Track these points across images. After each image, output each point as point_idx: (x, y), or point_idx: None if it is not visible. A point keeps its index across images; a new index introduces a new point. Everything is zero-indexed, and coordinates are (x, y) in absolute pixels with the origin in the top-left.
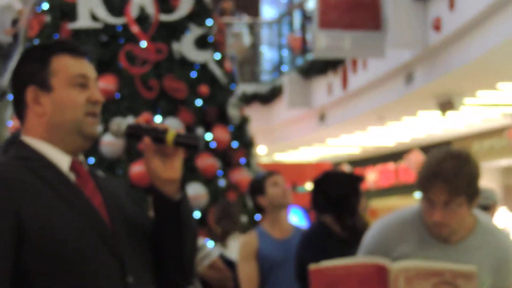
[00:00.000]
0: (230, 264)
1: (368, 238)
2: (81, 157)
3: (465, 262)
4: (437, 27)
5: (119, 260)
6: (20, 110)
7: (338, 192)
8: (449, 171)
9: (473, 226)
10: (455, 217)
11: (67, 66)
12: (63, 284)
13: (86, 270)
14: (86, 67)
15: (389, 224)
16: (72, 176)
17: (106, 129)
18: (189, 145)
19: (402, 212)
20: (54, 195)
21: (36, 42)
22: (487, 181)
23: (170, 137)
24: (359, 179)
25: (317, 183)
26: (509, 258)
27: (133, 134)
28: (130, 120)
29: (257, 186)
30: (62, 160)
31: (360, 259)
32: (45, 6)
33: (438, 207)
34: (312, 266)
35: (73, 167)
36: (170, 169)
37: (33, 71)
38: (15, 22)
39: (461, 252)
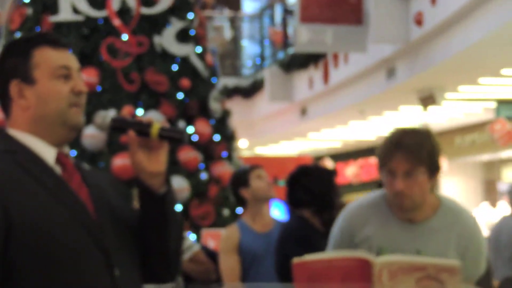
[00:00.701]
0: (212, 256)
1: (335, 226)
2: (66, 149)
3: (429, 242)
4: (419, 21)
5: (105, 253)
6: (5, 103)
7: (319, 187)
8: (411, 142)
9: (437, 207)
10: (416, 187)
11: (49, 58)
12: (50, 277)
13: (73, 263)
14: (69, 58)
15: (352, 209)
16: (58, 169)
17: (88, 122)
18: (174, 138)
19: (366, 197)
20: (40, 189)
21: (18, 35)
22: (469, 176)
23: (154, 130)
24: (333, 173)
25: (295, 177)
26: (475, 238)
27: (117, 127)
28: (112, 113)
29: (241, 179)
30: (47, 153)
31: (343, 253)
32: None
33: (400, 177)
34: (296, 260)
35: (59, 159)
36: (155, 162)
37: (15, 65)
38: None
39: (426, 232)
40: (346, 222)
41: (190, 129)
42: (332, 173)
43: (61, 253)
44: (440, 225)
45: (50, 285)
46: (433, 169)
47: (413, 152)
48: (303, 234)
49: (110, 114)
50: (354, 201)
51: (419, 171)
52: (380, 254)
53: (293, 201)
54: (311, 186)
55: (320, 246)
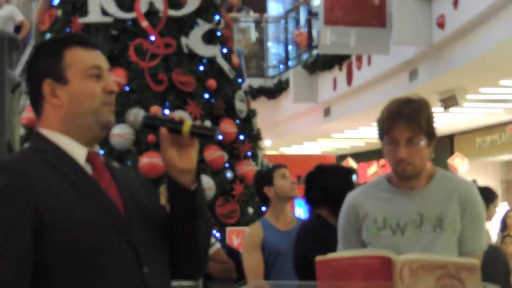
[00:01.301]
0: (233, 254)
1: (340, 214)
2: (96, 148)
3: (430, 206)
4: (441, 24)
5: (134, 251)
6: (36, 103)
7: (335, 185)
8: (411, 111)
9: (433, 175)
10: (418, 154)
11: (81, 58)
12: (81, 275)
13: (103, 261)
14: (99, 58)
15: (353, 193)
16: (88, 168)
17: (116, 121)
18: (205, 135)
19: (367, 183)
20: (70, 188)
21: (48, 36)
22: (489, 176)
23: (186, 127)
24: (352, 172)
25: (312, 176)
26: (472, 199)
27: (150, 125)
28: (141, 111)
29: (265, 177)
30: (78, 152)
31: (365, 250)
32: (56, 0)
33: (402, 145)
34: (318, 258)
35: (89, 159)
36: (186, 159)
37: (48, 65)
38: (17, 30)
39: (425, 197)
40: (348, 204)
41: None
42: (349, 172)
43: (91, 250)
44: (438, 190)
45: (80, 283)
46: (431, 137)
47: (414, 121)
48: (320, 233)
49: (142, 111)
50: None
51: (420, 139)
52: (387, 225)
53: (310, 199)
54: (327, 184)
55: (336, 244)
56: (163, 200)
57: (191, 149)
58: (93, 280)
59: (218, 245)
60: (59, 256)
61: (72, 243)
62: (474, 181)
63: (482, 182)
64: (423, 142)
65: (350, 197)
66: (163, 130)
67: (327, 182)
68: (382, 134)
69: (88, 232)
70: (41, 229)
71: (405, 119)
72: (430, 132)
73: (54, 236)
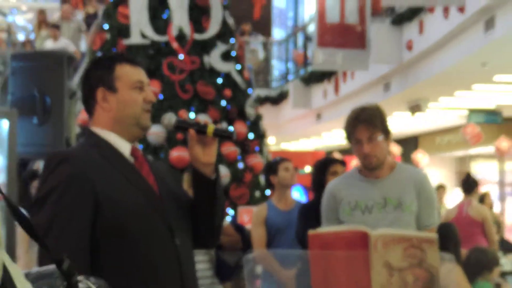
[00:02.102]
0: (239, 229)
1: (323, 199)
2: (136, 144)
3: (392, 191)
4: (409, 47)
5: (168, 227)
6: (90, 106)
7: (315, 173)
8: (367, 116)
9: (394, 166)
10: (378, 148)
11: (128, 73)
12: (127, 248)
13: (145, 235)
14: (142, 74)
15: (331, 183)
16: (131, 160)
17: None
18: (226, 136)
19: (343, 174)
20: (119, 175)
21: (99, 54)
22: (446, 168)
23: (210, 130)
24: (330, 161)
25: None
26: (426, 186)
27: (180, 127)
28: (173, 115)
29: (271, 168)
30: (124, 147)
31: (347, 226)
32: (106, 26)
33: (365, 142)
34: (311, 232)
35: (132, 152)
36: (208, 155)
37: (101, 76)
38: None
39: (388, 184)
40: (329, 191)
41: (231, 129)
42: (327, 162)
43: (135, 226)
44: (398, 179)
45: (127, 256)
46: (386, 133)
47: (370, 122)
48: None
49: (174, 116)
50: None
51: (377, 135)
52: (358, 207)
53: (314, 186)
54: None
55: None
56: (185, 186)
57: (212, 147)
58: (137, 252)
59: (227, 221)
60: (109, 231)
61: (121, 219)
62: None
63: (440, 173)
64: (380, 138)
65: (330, 185)
66: (192, 132)
67: (313, 171)
68: (349, 136)
69: (133, 211)
70: (97, 210)
71: (364, 122)
72: (385, 129)
73: (107, 214)
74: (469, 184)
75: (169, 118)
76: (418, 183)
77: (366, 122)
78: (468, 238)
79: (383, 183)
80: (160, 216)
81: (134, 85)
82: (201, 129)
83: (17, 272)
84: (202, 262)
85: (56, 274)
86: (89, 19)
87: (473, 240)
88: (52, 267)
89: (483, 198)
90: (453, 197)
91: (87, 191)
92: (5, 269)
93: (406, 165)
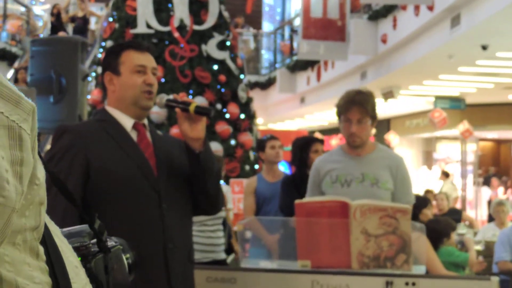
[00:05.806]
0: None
1: (310, 172)
2: (145, 121)
3: (370, 167)
4: (384, 40)
5: (157, 193)
6: (104, 87)
7: (295, 151)
8: (362, 99)
9: (374, 147)
10: (364, 130)
11: (132, 58)
12: (111, 208)
13: (130, 197)
14: (146, 59)
15: (318, 159)
16: (134, 134)
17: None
18: (204, 113)
19: (329, 151)
20: (116, 146)
21: (108, 42)
22: (414, 148)
23: (192, 108)
24: (312, 140)
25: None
26: (401, 166)
27: (169, 106)
28: (166, 96)
29: (260, 145)
30: (127, 122)
31: (330, 196)
32: (115, 16)
33: (354, 123)
34: (297, 201)
35: (135, 127)
36: (195, 130)
37: (109, 62)
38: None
39: (367, 161)
40: (314, 166)
41: (225, 110)
42: (309, 141)
43: (123, 189)
44: (376, 158)
45: (110, 215)
46: (374, 118)
47: (363, 106)
48: (294, 183)
49: (165, 96)
50: None
51: (366, 119)
52: (338, 180)
53: (294, 162)
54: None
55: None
56: None
57: (199, 123)
58: (124, 212)
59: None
60: (99, 191)
61: (110, 184)
62: None
63: (409, 152)
64: (368, 122)
65: (316, 161)
66: (178, 110)
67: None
68: (340, 114)
69: (124, 177)
70: (88, 173)
71: (357, 105)
72: (373, 115)
73: (97, 179)
74: None
75: (161, 98)
76: (395, 165)
77: (359, 105)
78: None
79: (362, 161)
80: (149, 182)
81: (135, 69)
82: (185, 107)
83: (56, 229)
84: (217, 231)
85: (84, 233)
86: (78, 22)
87: None
88: (79, 226)
89: (447, 174)
90: (420, 173)
91: (81, 158)
92: (46, 226)
93: (385, 148)
